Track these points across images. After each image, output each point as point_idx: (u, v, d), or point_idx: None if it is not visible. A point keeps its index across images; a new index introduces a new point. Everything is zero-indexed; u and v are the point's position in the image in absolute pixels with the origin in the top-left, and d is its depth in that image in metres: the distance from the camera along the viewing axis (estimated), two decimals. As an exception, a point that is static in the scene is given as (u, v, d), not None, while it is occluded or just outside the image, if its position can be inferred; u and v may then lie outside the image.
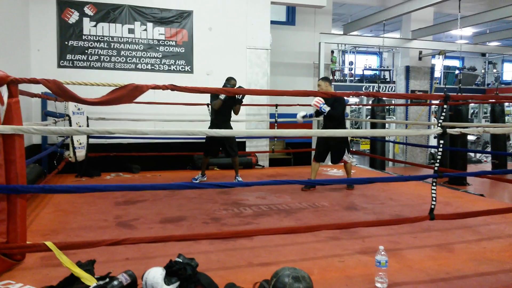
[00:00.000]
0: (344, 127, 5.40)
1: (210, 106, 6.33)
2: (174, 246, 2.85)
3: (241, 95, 5.43)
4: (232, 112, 5.69)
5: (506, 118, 11.83)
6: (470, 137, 13.20)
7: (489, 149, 12.20)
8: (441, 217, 3.05)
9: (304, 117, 5.39)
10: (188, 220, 3.84)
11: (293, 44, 9.87)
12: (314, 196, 4.96)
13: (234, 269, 2.65)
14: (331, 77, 11.83)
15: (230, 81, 5.53)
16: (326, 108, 5.00)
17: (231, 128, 5.72)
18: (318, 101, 4.99)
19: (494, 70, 18.71)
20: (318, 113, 5.27)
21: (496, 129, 3.73)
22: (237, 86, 5.66)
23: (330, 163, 6.41)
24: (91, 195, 4.71)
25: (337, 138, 5.24)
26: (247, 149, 7.66)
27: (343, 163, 5.50)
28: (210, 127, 5.54)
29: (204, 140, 5.89)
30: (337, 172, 6.94)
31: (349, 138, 7.39)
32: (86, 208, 4.23)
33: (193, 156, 7.04)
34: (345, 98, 7.40)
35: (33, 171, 4.99)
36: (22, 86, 2.62)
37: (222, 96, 5.30)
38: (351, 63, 17.90)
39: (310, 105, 5.22)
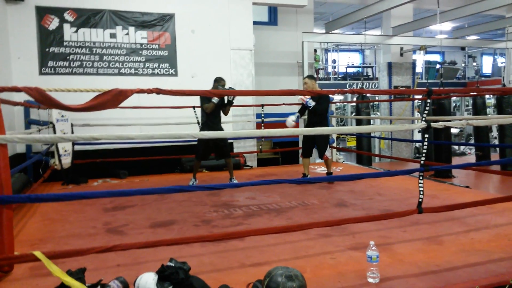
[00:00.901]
0: (327, 123, 5.55)
1: (195, 108, 6.31)
2: (166, 251, 2.83)
3: (231, 97, 5.41)
4: (220, 115, 5.66)
5: (488, 110, 12.04)
6: (453, 130, 13.40)
7: (472, 141, 12.41)
8: (429, 210, 3.09)
9: (295, 120, 5.45)
10: (179, 224, 3.82)
11: (276, 44, 9.90)
12: (304, 194, 4.98)
13: (227, 271, 2.65)
14: (315, 76, 11.89)
15: (220, 81, 5.48)
16: (312, 103, 5.20)
17: (222, 130, 5.68)
18: (303, 96, 5.18)
19: (474, 64, 19.04)
20: (304, 109, 5.40)
21: (479, 121, 3.80)
22: (226, 86, 5.64)
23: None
24: (78, 202, 4.65)
25: (321, 135, 5.42)
26: (235, 150, 7.66)
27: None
28: (203, 130, 5.51)
29: (195, 143, 5.83)
30: (325, 169, 6.97)
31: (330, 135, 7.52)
32: (74, 216, 4.17)
33: (180, 159, 7.00)
34: (330, 95, 7.47)
35: (18, 180, 4.91)
36: (3, 95, 2.58)
37: (214, 100, 5.25)
38: (334, 61, 18.02)
39: (296, 104, 5.28)
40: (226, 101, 5.46)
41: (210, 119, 5.48)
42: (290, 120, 5.39)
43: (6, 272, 2.57)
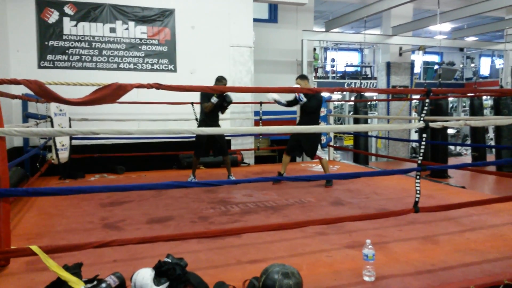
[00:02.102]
0: (317, 123, 5.50)
1: (194, 105, 6.30)
2: (162, 247, 2.84)
3: (227, 102, 5.40)
4: (218, 113, 5.64)
5: (485, 111, 12.07)
6: (450, 131, 13.46)
7: (468, 142, 12.46)
8: (425, 209, 3.10)
9: (276, 100, 5.28)
10: (176, 220, 3.82)
11: (276, 41, 9.89)
12: (300, 192, 4.99)
13: (223, 268, 2.66)
14: (313, 74, 11.88)
15: (221, 81, 5.44)
16: (304, 99, 5.13)
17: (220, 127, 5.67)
18: (274, 97, 5.17)
19: (472, 65, 19.07)
20: (292, 102, 5.30)
21: (476, 122, 3.81)
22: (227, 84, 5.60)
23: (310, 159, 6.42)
24: (75, 197, 4.65)
25: (307, 134, 5.30)
26: (233, 147, 7.66)
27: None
28: (200, 127, 5.49)
29: (193, 140, 5.81)
30: (321, 168, 6.98)
31: (328, 134, 7.48)
32: (71, 211, 4.17)
33: (178, 155, 7.00)
34: (327, 95, 7.47)
35: (15, 174, 4.90)
36: (1, 88, 2.57)
37: (214, 100, 5.24)
38: (333, 60, 18.02)
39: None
40: (227, 101, 5.42)
41: (208, 117, 5.47)
42: (270, 97, 5.29)
43: (3, 266, 2.57)
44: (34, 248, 2.25)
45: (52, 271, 2.15)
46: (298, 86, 5.26)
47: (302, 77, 5.38)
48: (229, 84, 7.23)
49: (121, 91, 2.49)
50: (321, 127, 6.69)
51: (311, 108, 5.24)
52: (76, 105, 2.47)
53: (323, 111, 7.28)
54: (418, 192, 3.06)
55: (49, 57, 6.44)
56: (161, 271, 2.13)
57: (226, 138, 7.49)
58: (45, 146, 5.86)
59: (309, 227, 3.31)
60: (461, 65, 18.96)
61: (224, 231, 3.02)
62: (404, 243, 3.09)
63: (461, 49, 19.14)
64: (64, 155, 5.75)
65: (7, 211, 2.52)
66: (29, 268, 2.62)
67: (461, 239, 3.19)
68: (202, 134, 5.22)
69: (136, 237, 2.77)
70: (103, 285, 2.06)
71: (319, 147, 5.42)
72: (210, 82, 5.56)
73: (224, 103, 5.39)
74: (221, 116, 5.96)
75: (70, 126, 5.90)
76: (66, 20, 6.50)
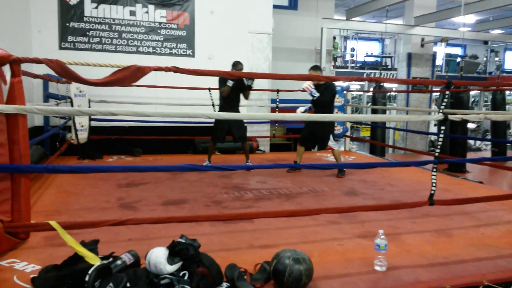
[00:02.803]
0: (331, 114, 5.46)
1: (211, 90, 6.30)
2: (176, 228, 2.88)
3: (251, 81, 5.37)
4: (241, 97, 5.61)
5: (507, 106, 11.81)
6: (470, 125, 13.22)
7: (489, 137, 12.22)
8: (441, 202, 3.07)
9: (304, 111, 5.39)
10: (190, 203, 3.87)
11: (295, 29, 9.80)
12: (314, 181, 4.99)
13: (235, 251, 2.69)
14: (332, 63, 11.76)
15: (237, 65, 5.41)
16: (316, 94, 5.10)
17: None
18: (309, 85, 5.09)
19: (496, 59, 18.60)
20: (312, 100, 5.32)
21: (497, 116, 3.74)
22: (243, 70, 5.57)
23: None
24: (93, 177, 4.74)
25: (321, 124, 5.27)
26: (248, 134, 7.63)
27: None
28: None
29: (211, 125, 5.84)
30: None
31: (344, 124, 7.42)
32: (89, 190, 4.26)
33: (194, 140, 7.05)
34: (346, 84, 7.39)
35: (36, 152, 5.02)
36: (23, 67, 2.62)
37: (229, 83, 5.22)
38: (352, 49, 17.79)
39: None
40: (246, 85, 5.39)
41: (227, 103, 5.45)
42: (299, 111, 5.36)
43: (23, 239, 2.65)
44: (53, 223, 2.31)
45: (70, 246, 2.21)
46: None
47: (315, 67, 5.29)
48: (246, 71, 7.24)
49: (139, 73, 2.51)
50: (338, 115, 6.66)
51: (325, 102, 5.19)
52: (96, 85, 2.51)
53: (340, 101, 7.22)
54: (434, 184, 3.03)
55: (70, 38, 6.52)
56: (175, 251, 2.17)
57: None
58: (65, 126, 5.97)
59: (322, 216, 3.31)
60: (485, 59, 18.50)
61: (237, 215, 3.06)
62: (417, 235, 3.07)
63: (485, 42, 18.66)
64: (83, 136, 5.85)
65: (28, 187, 2.59)
66: (48, 243, 2.70)
67: (476, 233, 3.15)
68: (218, 118, 5.23)
69: (151, 217, 2.83)
70: (119, 261, 2.11)
71: (331, 137, 5.37)
72: (228, 68, 5.55)
73: (242, 86, 5.36)
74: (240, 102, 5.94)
75: (89, 107, 5.99)
76: (87, 2, 6.56)
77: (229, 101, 5.44)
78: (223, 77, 5.15)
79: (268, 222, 3.20)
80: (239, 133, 5.61)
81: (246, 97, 5.61)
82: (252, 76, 4.11)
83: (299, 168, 5.34)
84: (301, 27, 9.87)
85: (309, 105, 5.49)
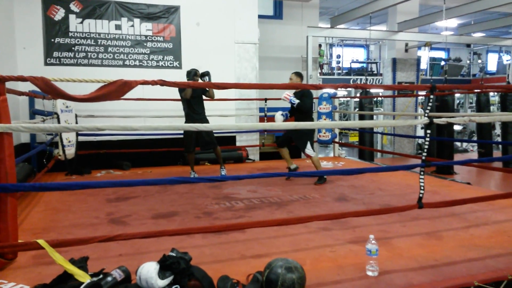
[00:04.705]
0: (311, 120, 5.51)
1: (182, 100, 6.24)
2: (167, 241, 2.86)
3: (206, 77, 5.30)
4: (204, 104, 5.57)
5: (492, 108, 11.99)
6: (456, 127, 13.39)
7: (475, 139, 12.39)
8: (430, 205, 3.10)
9: (283, 115, 5.35)
10: (181, 215, 3.85)
11: (281, 38, 9.88)
12: (305, 188, 5.00)
13: (227, 262, 2.68)
14: (319, 70, 11.86)
15: (191, 72, 5.28)
16: (296, 101, 5.16)
17: (206, 120, 5.56)
18: (287, 94, 5.17)
19: (479, 61, 18.91)
20: (293, 108, 5.35)
21: (481, 118, 3.80)
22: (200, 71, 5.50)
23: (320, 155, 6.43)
24: (81, 192, 4.69)
25: (300, 131, 5.28)
26: (238, 144, 7.68)
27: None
28: (187, 122, 5.45)
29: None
30: (327, 164, 7.00)
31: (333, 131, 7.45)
32: (77, 206, 4.22)
33: (183, 151, 7.02)
34: (333, 91, 7.45)
35: (22, 170, 4.95)
36: (9, 85, 2.60)
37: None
38: (338, 56, 17.96)
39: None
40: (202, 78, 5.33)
41: (192, 110, 5.42)
42: (278, 114, 5.31)
43: (10, 259, 2.61)
44: (41, 242, 2.28)
45: (59, 264, 2.19)
46: (291, 81, 5.31)
47: (297, 74, 5.34)
48: (233, 81, 7.28)
49: (126, 88, 2.51)
50: (326, 123, 6.71)
51: (306, 108, 5.23)
52: (82, 101, 2.50)
53: (328, 107, 7.28)
54: (422, 188, 3.06)
55: (55, 54, 6.49)
56: (166, 265, 2.16)
57: (231, 134, 7.52)
58: (51, 142, 5.92)
59: (313, 223, 3.32)
60: (468, 61, 18.80)
61: (228, 226, 3.04)
62: (408, 239, 3.10)
63: (468, 45, 18.97)
64: (70, 151, 5.80)
65: (14, 206, 2.55)
66: (36, 261, 2.66)
67: (465, 235, 3.18)
68: (205, 130, 5.20)
69: (141, 231, 2.81)
70: (109, 278, 2.09)
71: (309, 144, 5.30)
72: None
73: (201, 78, 5.30)
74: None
75: (76, 123, 5.95)
76: (72, 17, 6.54)
77: (194, 108, 5.42)
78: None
79: (260, 232, 3.20)
80: (209, 140, 5.52)
81: (212, 97, 5.57)
82: (241, 87, 4.13)
83: (293, 175, 5.32)
84: (287, 36, 9.95)
85: (286, 113, 5.42)
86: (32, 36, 6.37)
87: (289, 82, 5.36)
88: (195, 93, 5.35)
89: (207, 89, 5.47)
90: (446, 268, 2.54)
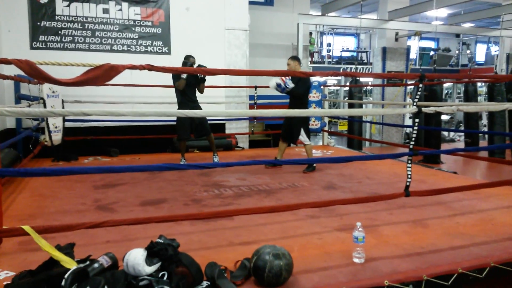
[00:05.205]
0: (306, 107, 5.43)
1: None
2: (155, 228, 2.84)
3: (202, 75, 5.36)
4: (197, 91, 5.61)
5: (479, 98, 12.12)
6: (444, 117, 13.52)
7: (462, 129, 12.53)
8: (416, 193, 3.14)
9: (278, 85, 5.13)
10: (169, 202, 3.84)
11: (272, 25, 9.81)
12: (294, 176, 5.02)
13: (215, 249, 2.68)
14: (309, 58, 11.83)
15: (189, 59, 5.39)
16: (290, 84, 5.09)
17: (200, 108, 5.59)
18: (283, 78, 5.05)
19: (468, 51, 19.06)
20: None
21: (469, 107, 3.84)
22: (196, 64, 5.51)
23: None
24: (68, 179, 4.64)
25: (296, 118, 5.25)
26: (227, 131, 7.65)
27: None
28: (181, 109, 5.45)
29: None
30: (316, 152, 7.02)
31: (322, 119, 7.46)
32: (64, 193, 4.17)
33: (172, 138, 6.98)
34: (323, 79, 7.45)
35: (7, 155, 4.87)
36: (-8, 68, 2.54)
37: (183, 75, 5.24)
38: (329, 44, 17.93)
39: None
40: (199, 78, 5.40)
41: (186, 98, 5.43)
42: (273, 81, 5.10)
43: (-5, 245, 2.58)
44: (27, 228, 2.25)
45: (45, 251, 2.16)
46: (289, 66, 5.21)
47: (294, 58, 5.28)
48: (223, 68, 7.21)
49: (113, 72, 2.47)
50: (315, 110, 6.70)
51: (298, 94, 5.19)
52: (68, 85, 2.45)
53: (318, 96, 7.28)
54: (409, 176, 3.08)
55: (41, 38, 6.35)
56: (153, 252, 2.14)
57: (221, 122, 7.49)
58: (38, 128, 5.83)
59: (301, 210, 3.34)
60: (457, 52, 18.93)
61: (216, 213, 3.04)
62: (394, 227, 3.13)
63: (458, 35, 19.09)
64: (57, 137, 5.72)
65: (-1, 192, 2.52)
66: (22, 248, 2.63)
67: (451, 223, 3.23)
68: (192, 116, 5.18)
69: (129, 218, 2.79)
70: (96, 265, 2.07)
71: (303, 132, 5.31)
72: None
73: (196, 79, 5.36)
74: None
75: (63, 108, 5.86)
76: (58, 0, 6.39)
77: (187, 95, 5.44)
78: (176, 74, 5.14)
79: (248, 219, 3.21)
80: (202, 127, 5.57)
81: (201, 91, 5.61)
82: (231, 73, 4.10)
83: (279, 164, 5.35)
84: (278, 23, 9.88)
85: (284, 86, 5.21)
86: (17, 19, 6.22)
87: (287, 68, 5.29)
88: (188, 81, 5.32)
89: (200, 82, 5.49)
90: (432, 255, 2.57)
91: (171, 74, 5.32)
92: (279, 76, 5.06)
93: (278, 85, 5.14)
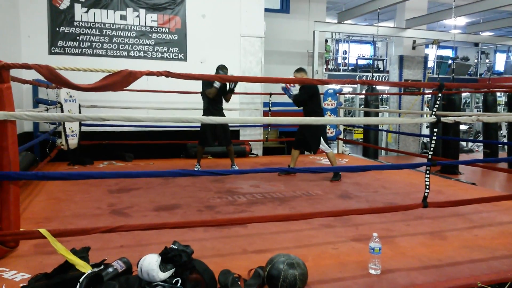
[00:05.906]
0: (320, 116, 5.35)
1: (202, 95, 6.29)
2: (169, 234, 2.85)
3: (233, 84, 5.39)
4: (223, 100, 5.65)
5: (498, 108, 11.90)
6: (462, 127, 13.31)
7: (480, 139, 12.30)
8: (434, 204, 3.07)
9: (284, 90, 5.18)
10: (182, 208, 3.84)
11: (287, 32, 9.82)
12: (308, 184, 4.98)
13: (229, 256, 2.66)
14: (325, 66, 11.78)
15: (223, 69, 5.45)
16: (294, 91, 5.09)
17: (224, 115, 5.66)
18: (290, 84, 5.08)
19: (487, 60, 18.77)
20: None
21: (489, 118, 3.75)
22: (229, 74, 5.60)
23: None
24: (84, 183, 4.68)
25: (311, 127, 5.20)
26: (241, 138, 7.65)
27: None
28: (205, 116, 5.48)
29: (199, 129, 5.84)
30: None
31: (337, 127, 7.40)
32: (80, 196, 4.21)
33: (186, 144, 7.01)
34: (338, 87, 7.40)
35: (25, 158, 4.95)
36: (13, 73, 2.58)
37: (217, 84, 5.24)
38: (344, 52, 17.86)
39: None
40: (228, 88, 5.44)
41: (212, 105, 5.46)
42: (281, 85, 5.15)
43: (12, 248, 2.60)
44: (43, 231, 2.27)
45: (60, 254, 2.17)
46: None
47: (298, 70, 5.26)
48: (238, 74, 7.23)
49: (131, 78, 2.49)
50: (331, 119, 6.66)
51: (299, 101, 5.15)
52: (86, 90, 2.48)
53: (333, 104, 7.23)
54: (427, 187, 3.03)
55: (60, 43, 6.47)
56: (167, 258, 2.14)
57: (235, 128, 7.49)
58: (54, 132, 5.90)
59: (316, 219, 3.30)
60: (476, 61, 18.67)
61: (230, 220, 3.03)
62: (411, 238, 3.07)
63: (476, 44, 18.82)
64: (73, 141, 5.79)
65: (17, 194, 2.54)
66: (38, 250, 2.65)
67: (469, 235, 3.15)
68: (210, 123, 5.20)
69: (143, 223, 2.79)
70: (110, 269, 2.07)
71: (322, 140, 5.24)
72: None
73: (227, 88, 5.37)
74: (230, 105, 5.94)
75: (80, 112, 5.93)
76: (77, 6, 6.50)
77: (214, 103, 5.46)
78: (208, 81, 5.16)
79: (262, 227, 3.18)
80: (225, 137, 5.60)
81: (227, 100, 5.62)
82: (246, 80, 4.11)
83: (292, 172, 5.31)
84: (293, 30, 9.89)
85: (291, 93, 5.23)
86: (37, 25, 6.34)
87: None
88: (218, 93, 5.37)
89: (229, 92, 5.50)
90: (450, 268, 2.51)
91: (201, 81, 5.34)
92: (294, 83, 5.05)
93: (284, 90, 5.20)
